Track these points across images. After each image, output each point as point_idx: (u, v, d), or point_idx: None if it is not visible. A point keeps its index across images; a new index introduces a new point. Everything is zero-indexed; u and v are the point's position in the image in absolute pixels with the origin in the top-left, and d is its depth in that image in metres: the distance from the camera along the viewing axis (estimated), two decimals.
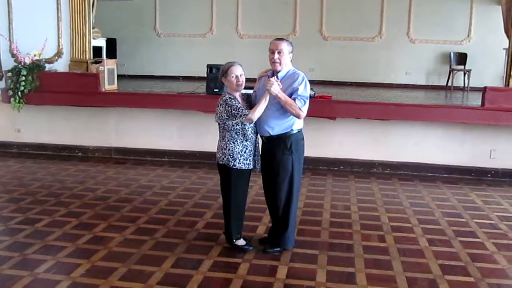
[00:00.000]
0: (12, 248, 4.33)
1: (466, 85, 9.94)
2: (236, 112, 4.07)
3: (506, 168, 7.16)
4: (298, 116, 4.10)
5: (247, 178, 4.35)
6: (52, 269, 3.95)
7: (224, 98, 4.18)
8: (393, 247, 4.58)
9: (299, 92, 4.09)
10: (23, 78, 7.58)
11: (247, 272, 3.96)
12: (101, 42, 9.53)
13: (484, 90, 6.87)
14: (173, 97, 7.68)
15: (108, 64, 7.90)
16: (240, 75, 4.16)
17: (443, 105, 7.55)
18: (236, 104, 4.09)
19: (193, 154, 7.80)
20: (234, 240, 4.36)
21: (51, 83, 7.72)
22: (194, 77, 10.06)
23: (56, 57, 8.12)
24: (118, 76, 8.36)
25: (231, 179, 4.25)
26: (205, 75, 7.44)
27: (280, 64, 4.14)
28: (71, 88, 7.63)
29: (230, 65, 4.21)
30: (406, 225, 5.21)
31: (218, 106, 4.20)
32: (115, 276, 3.83)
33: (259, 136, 4.34)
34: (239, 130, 4.16)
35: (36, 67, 7.77)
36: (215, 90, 7.28)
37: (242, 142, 4.18)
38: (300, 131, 4.28)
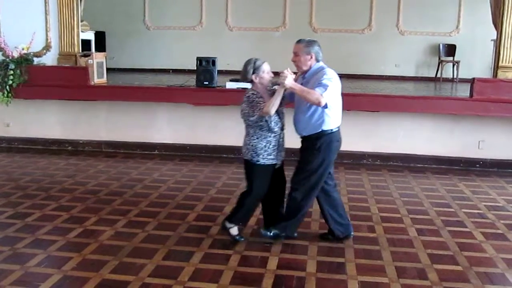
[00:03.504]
0: (2, 242, 4.32)
1: (455, 77, 10.01)
2: (255, 107, 4.05)
3: (494, 158, 7.24)
4: (318, 102, 3.93)
5: (270, 174, 4.28)
6: (43, 262, 3.95)
7: (247, 95, 4.17)
8: (382, 237, 4.62)
9: (321, 81, 4.01)
10: (11, 72, 7.54)
11: (238, 264, 3.98)
12: (90, 35, 9.48)
13: (472, 81, 6.92)
14: (163, 90, 7.67)
15: (97, 58, 7.86)
16: (269, 71, 4.16)
17: (432, 96, 7.60)
18: (257, 99, 4.08)
19: (184, 147, 7.80)
20: (230, 225, 4.35)
21: (40, 77, 7.68)
22: (184, 70, 10.06)
23: (45, 51, 8.06)
24: (108, 69, 8.32)
25: (254, 174, 4.25)
26: (195, 68, 7.43)
27: (298, 65, 4.18)
28: (60, 81, 7.59)
29: (262, 61, 4.16)
30: (396, 215, 5.25)
31: (242, 103, 4.19)
32: (106, 269, 3.84)
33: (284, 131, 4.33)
34: (263, 125, 4.12)
35: (24, 60, 7.72)
36: (205, 82, 7.29)
37: (266, 137, 4.15)
38: (333, 132, 4.20)
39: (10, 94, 7.62)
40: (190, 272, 3.81)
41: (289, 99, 4.32)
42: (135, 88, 7.89)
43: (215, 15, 11.39)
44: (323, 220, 4.60)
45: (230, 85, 7.33)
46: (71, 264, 3.91)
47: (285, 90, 4.04)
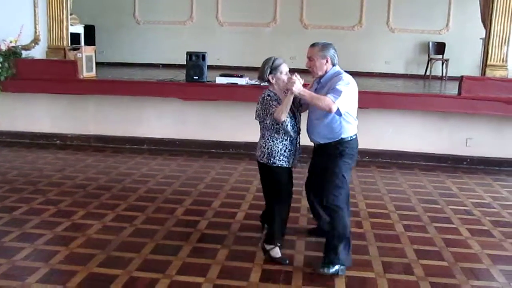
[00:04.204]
0: None
1: (444, 74, 10.07)
2: (268, 110, 3.86)
3: (482, 156, 7.31)
4: (329, 109, 3.69)
5: (290, 176, 4.09)
6: (30, 256, 3.94)
7: (263, 95, 3.97)
8: (369, 232, 4.66)
9: (335, 87, 3.76)
10: None
11: (226, 258, 3.99)
12: (79, 29, 9.41)
13: (461, 79, 6.98)
14: (152, 85, 7.64)
15: (86, 51, 7.80)
16: (287, 73, 3.92)
17: (421, 93, 7.65)
18: (270, 102, 3.88)
19: (173, 142, 7.78)
20: (269, 246, 4.01)
21: (28, 70, 7.62)
22: (174, 64, 10.00)
23: (33, 44, 7.99)
24: (97, 63, 8.27)
25: (272, 177, 4.02)
26: (185, 63, 7.41)
27: (314, 71, 3.95)
28: (48, 75, 7.53)
29: (281, 61, 3.94)
30: (383, 211, 5.29)
31: (257, 103, 3.99)
32: (94, 262, 3.84)
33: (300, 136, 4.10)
34: (279, 129, 3.92)
35: (12, 54, 7.65)
36: (194, 77, 7.28)
37: (282, 141, 3.94)
38: (353, 139, 3.97)
39: None
40: (178, 266, 3.82)
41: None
42: (124, 82, 7.84)
43: (205, 10, 11.33)
44: (311, 215, 4.61)
45: (220, 80, 7.32)
46: (58, 258, 3.90)
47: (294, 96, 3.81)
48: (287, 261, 3.97)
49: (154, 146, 7.81)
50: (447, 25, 10.67)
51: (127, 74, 8.75)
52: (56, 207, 5.06)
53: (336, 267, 3.78)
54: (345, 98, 3.75)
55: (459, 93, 6.95)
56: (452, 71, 9.73)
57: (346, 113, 3.86)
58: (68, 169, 6.56)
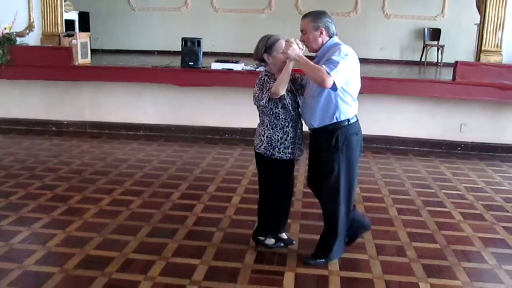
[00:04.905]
0: None
1: (439, 61, 10.09)
2: (265, 88, 3.53)
3: (475, 141, 7.35)
4: (323, 83, 3.26)
5: (291, 169, 3.79)
6: (27, 239, 3.98)
7: (260, 76, 3.65)
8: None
9: (331, 58, 3.33)
10: None
11: (221, 241, 4.04)
12: (73, 16, 9.38)
13: (455, 64, 7.00)
14: (147, 71, 7.65)
15: (81, 38, 7.78)
16: (298, 43, 3.47)
17: (414, 79, 7.69)
18: (268, 80, 3.55)
19: (169, 127, 7.80)
20: (261, 238, 3.90)
21: (23, 57, 7.58)
22: (169, 51, 9.98)
23: (27, 31, 7.96)
24: (92, 50, 8.26)
25: (270, 171, 3.73)
26: (180, 49, 7.41)
27: (308, 45, 3.53)
28: (43, 62, 7.51)
29: (276, 38, 3.55)
30: (377, 195, 5.34)
31: (255, 86, 3.66)
32: (90, 245, 3.88)
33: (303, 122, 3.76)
34: (278, 113, 3.58)
35: (6, 41, 7.60)
36: (190, 63, 7.28)
37: (283, 128, 3.60)
38: (351, 123, 3.54)
39: None
40: (174, 248, 3.86)
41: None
42: (120, 68, 7.85)
43: None
44: (305, 199, 4.67)
45: (215, 65, 7.33)
46: (55, 241, 3.94)
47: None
48: (293, 242, 3.99)
49: (150, 132, 7.83)
50: (442, 11, 10.70)
51: (122, 61, 8.74)
52: (53, 192, 5.09)
53: (324, 260, 3.72)
54: (343, 71, 3.30)
55: (454, 78, 6.97)
56: (448, 57, 9.75)
57: (344, 92, 3.45)
58: (64, 155, 6.58)
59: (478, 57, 7.27)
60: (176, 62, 7.66)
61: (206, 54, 7.86)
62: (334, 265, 3.70)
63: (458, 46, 10.13)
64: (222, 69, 7.24)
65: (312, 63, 3.39)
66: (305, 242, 4.05)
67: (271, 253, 3.85)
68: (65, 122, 8.03)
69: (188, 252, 3.82)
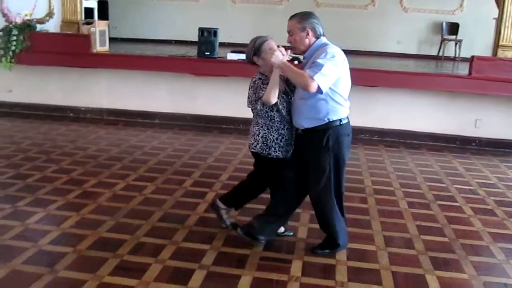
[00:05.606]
0: (3, 200, 4.46)
1: (456, 55, 10.01)
2: (259, 94, 3.53)
3: (490, 137, 7.30)
4: (307, 88, 3.27)
5: (284, 166, 3.75)
6: (42, 220, 4.09)
7: (254, 79, 3.64)
8: (373, 208, 4.74)
9: (316, 61, 3.32)
10: (14, 38, 7.57)
11: (231, 228, 4.07)
12: (93, 4, 9.45)
13: (471, 59, 6.95)
14: (164, 60, 7.72)
15: (100, 26, 7.88)
16: (281, 49, 3.46)
17: (430, 73, 7.63)
18: (261, 85, 3.54)
19: (183, 116, 7.88)
20: (223, 206, 4.02)
21: (42, 44, 7.71)
22: (187, 41, 10.04)
23: (47, 18, 8.08)
24: (110, 39, 8.34)
25: (266, 167, 3.77)
26: (197, 39, 7.45)
27: (296, 46, 3.52)
28: (62, 49, 7.63)
29: (262, 40, 3.58)
30: (388, 188, 5.36)
31: (249, 89, 3.68)
32: (103, 228, 3.98)
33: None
34: (273, 116, 3.59)
35: (27, 27, 7.76)
36: (206, 53, 7.34)
37: (278, 130, 3.62)
38: (342, 124, 3.52)
39: (12, 60, 7.68)
40: (185, 234, 3.94)
41: None
42: (137, 57, 7.93)
43: None
44: None
45: (231, 56, 7.37)
46: (69, 223, 4.05)
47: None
48: (292, 233, 4.05)
49: (165, 120, 7.91)
50: (461, 5, 10.59)
51: (140, 50, 8.82)
52: (68, 176, 5.20)
53: (330, 250, 3.76)
54: (328, 73, 3.29)
55: (470, 73, 6.93)
56: (465, 52, 9.64)
57: (334, 93, 3.43)
58: (81, 140, 6.70)
59: (495, 52, 7.22)
60: (193, 52, 7.71)
61: (223, 44, 7.91)
62: (341, 254, 3.75)
63: (476, 41, 10.03)
64: (238, 59, 7.27)
65: (295, 68, 3.40)
66: (314, 232, 4.08)
67: (280, 242, 3.90)
68: (82, 109, 8.15)
69: (198, 238, 3.89)
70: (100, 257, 3.50)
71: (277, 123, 3.62)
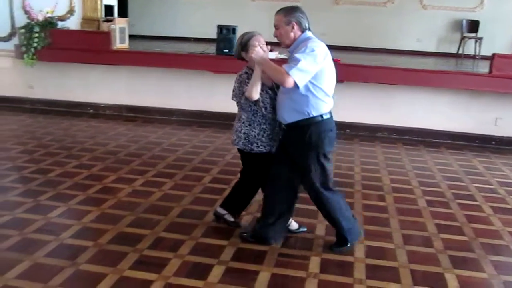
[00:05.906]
0: (26, 194, 4.55)
1: (476, 53, 9.90)
2: (242, 89, 3.60)
3: (511, 136, 7.22)
4: (283, 84, 3.29)
5: (270, 160, 3.74)
6: (64, 214, 4.16)
7: (240, 73, 3.71)
8: (392, 206, 4.72)
9: (295, 56, 3.33)
10: (36, 34, 7.70)
11: (250, 224, 4.11)
12: (113, 1, 9.54)
13: (492, 57, 6.87)
14: (183, 57, 7.77)
15: (120, 23, 7.96)
16: (261, 45, 3.52)
17: (450, 71, 7.57)
18: (246, 80, 3.60)
19: (202, 113, 7.92)
20: (224, 211, 4.07)
21: (63, 41, 7.83)
22: (205, 38, 10.09)
23: (68, 15, 8.20)
24: (129, 36, 8.42)
25: (251, 163, 3.83)
26: (216, 37, 7.49)
27: (282, 41, 3.51)
28: (82, 45, 7.73)
29: (249, 36, 3.63)
30: (407, 186, 5.33)
31: (235, 82, 3.73)
32: (123, 222, 4.03)
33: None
34: (256, 110, 3.63)
35: (48, 24, 7.87)
36: (224, 50, 7.36)
37: (260, 125, 3.66)
38: (324, 119, 3.49)
39: (34, 57, 7.80)
40: (203, 229, 3.97)
41: None
42: (156, 54, 8.00)
43: None
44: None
45: None
46: (90, 217, 4.11)
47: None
48: (306, 229, 4.05)
49: (184, 117, 7.97)
50: (481, 2, 10.45)
51: (159, 47, 8.88)
52: (89, 171, 5.28)
53: (343, 247, 3.76)
54: (305, 68, 3.27)
55: (490, 71, 6.85)
56: (486, 50, 9.56)
57: (315, 87, 3.40)
58: (100, 136, 6.78)
59: None
60: (211, 49, 7.75)
61: None
62: (359, 252, 3.75)
63: (496, 39, 9.93)
64: None
65: (273, 64, 3.40)
66: (332, 229, 4.04)
67: (298, 239, 3.92)
68: (102, 105, 8.24)
69: (216, 234, 3.92)
70: (120, 251, 3.55)
71: (259, 118, 3.66)
